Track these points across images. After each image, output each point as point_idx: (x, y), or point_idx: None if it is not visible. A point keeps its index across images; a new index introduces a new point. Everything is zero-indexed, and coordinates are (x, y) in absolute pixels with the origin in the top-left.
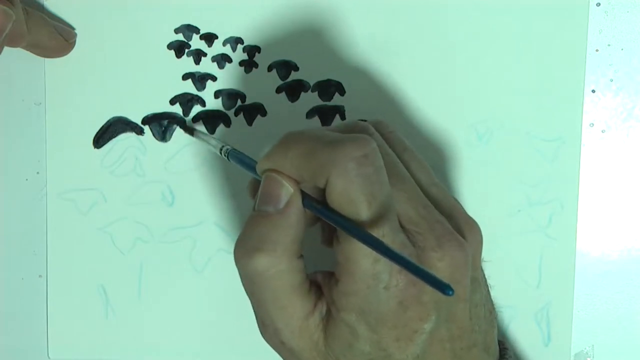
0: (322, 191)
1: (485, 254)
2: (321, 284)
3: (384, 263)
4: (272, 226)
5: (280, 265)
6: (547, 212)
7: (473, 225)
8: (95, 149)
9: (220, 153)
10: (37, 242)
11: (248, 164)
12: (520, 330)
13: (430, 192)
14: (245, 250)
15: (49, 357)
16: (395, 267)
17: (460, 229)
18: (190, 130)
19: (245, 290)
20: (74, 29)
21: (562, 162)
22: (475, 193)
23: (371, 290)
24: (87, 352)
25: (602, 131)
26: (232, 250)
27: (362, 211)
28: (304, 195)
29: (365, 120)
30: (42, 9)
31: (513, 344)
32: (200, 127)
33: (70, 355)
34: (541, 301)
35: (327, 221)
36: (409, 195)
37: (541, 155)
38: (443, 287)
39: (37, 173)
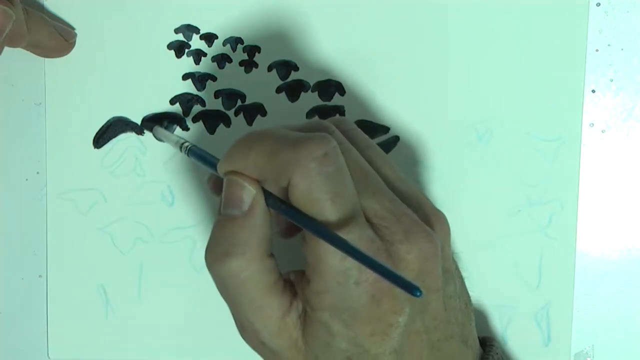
0: (286, 190)
1: (486, 253)
2: (295, 283)
3: (352, 260)
4: (238, 229)
5: (251, 267)
6: (547, 212)
7: (440, 216)
8: (95, 149)
9: (181, 150)
10: (37, 242)
11: (209, 161)
12: (520, 330)
13: (396, 186)
14: (215, 255)
15: (49, 357)
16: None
17: (428, 220)
18: (149, 127)
19: (221, 294)
20: (74, 29)
21: (562, 162)
22: (475, 193)
23: (342, 287)
24: (87, 352)
25: (602, 131)
26: None
27: (326, 210)
28: (268, 195)
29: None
30: (42, 9)
31: (513, 344)
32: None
33: (70, 355)
34: (541, 301)
35: (292, 221)
36: (373, 190)
37: (541, 155)
38: (411, 288)
39: (37, 173)
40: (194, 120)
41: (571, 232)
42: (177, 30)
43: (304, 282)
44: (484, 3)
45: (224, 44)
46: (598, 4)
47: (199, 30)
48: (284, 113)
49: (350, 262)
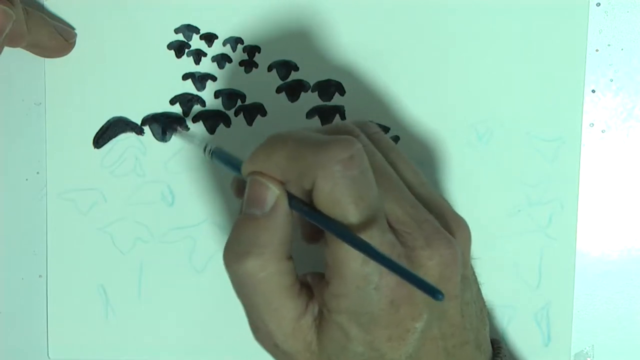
0: (309, 192)
1: (485, 253)
2: (312, 285)
3: (373, 264)
4: (259, 229)
5: (269, 268)
6: (547, 212)
7: (461, 222)
8: (95, 149)
9: (204, 153)
10: (37, 242)
11: (233, 164)
12: (520, 330)
13: (418, 192)
14: (234, 254)
15: (49, 357)
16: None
17: (449, 227)
18: (173, 128)
19: (237, 294)
20: (74, 29)
21: (562, 162)
22: (475, 193)
23: (362, 292)
24: (87, 352)
25: (602, 131)
26: None
27: (350, 213)
28: (291, 197)
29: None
30: (42, 9)
31: (513, 344)
32: (196, 127)
33: (70, 355)
34: (541, 301)
35: (314, 223)
36: (396, 195)
37: (541, 155)
38: (433, 292)
39: (37, 173)
40: (194, 120)
41: (571, 232)
42: (177, 30)
43: (323, 285)
44: (484, 3)
45: (224, 44)
46: (598, 4)
47: (199, 30)
48: (284, 113)
49: (371, 267)
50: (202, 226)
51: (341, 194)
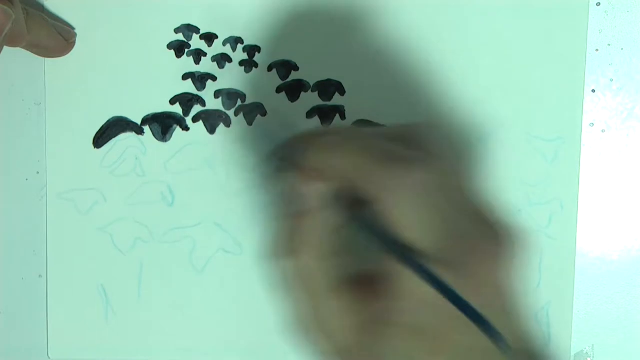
0: (356, 201)
1: None
2: (361, 289)
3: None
4: (309, 225)
5: (319, 264)
6: (547, 212)
7: (509, 233)
8: (95, 149)
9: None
10: (37, 242)
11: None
12: None
13: (475, 208)
14: (283, 249)
15: (49, 357)
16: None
17: (497, 238)
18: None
19: (284, 288)
20: (74, 29)
21: (562, 162)
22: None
23: (420, 307)
24: (87, 352)
25: (602, 131)
26: (232, 250)
27: (424, 236)
28: (353, 208)
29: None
30: (42, 9)
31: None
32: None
33: (70, 355)
34: (541, 301)
35: (377, 243)
36: (454, 212)
37: (541, 155)
38: (499, 339)
39: (37, 173)
40: (194, 120)
41: (571, 232)
42: (177, 30)
43: (378, 291)
44: (484, 3)
45: (224, 44)
46: (598, 4)
47: (199, 30)
48: (284, 113)
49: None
50: (202, 226)
51: (414, 216)
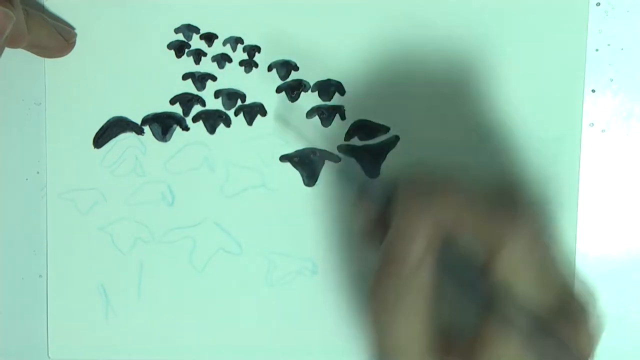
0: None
1: None
2: (454, 348)
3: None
4: (408, 283)
5: (415, 327)
6: (547, 212)
7: (584, 308)
8: (95, 149)
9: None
10: (37, 242)
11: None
12: None
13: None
14: (382, 304)
15: (49, 357)
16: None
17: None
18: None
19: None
20: (74, 29)
21: (562, 162)
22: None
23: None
24: (87, 352)
25: (602, 131)
26: (231, 250)
27: (531, 289)
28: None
29: None
30: (42, 9)
31: None
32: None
33: (70, 355)
34: None
35: (483, 299)
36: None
37: (541, 155)
38: None
39: (37, 173)
40: (194, 120)
41: (571, 232)
42: (177, 30)
43: (469, 349)
44: (484, 3)
45: (224, 44)
46: (598, 4)
47: (199, 30)
48: (284, 113)
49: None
50: (202, 226)
51: (527, 268)
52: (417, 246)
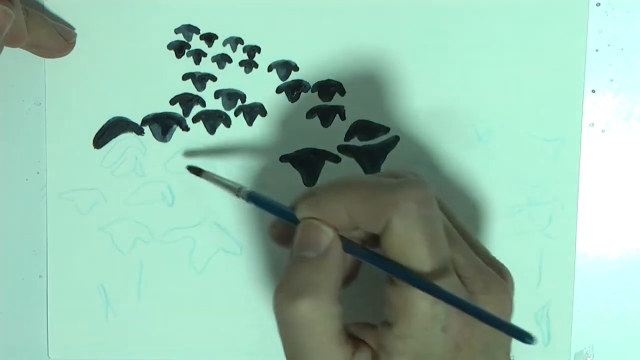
0: (372, 238)
1: None
2: (358, 334)
3: (442, 304)
4: (314, 270)
5: (323, 309)
6: (547, 212)
7: (507, 271)
8: (95, 149)
9: (237, 195)
10: (37, 242)
11: (273, 206)
12: None
13: (469, 240)
14: (286, 294)
15: (49, 357)
16: (453, 309)
17: (500, 274)
18: (196, 171)
19: (282, 336)
20: (74, 29)
21: (562, 162)
22: (475, 193)
23: (429, 332)
24: (87, 352)
25: (602, 131)
26: (231, 250)
27: (423, 254)
28: (348, 242)
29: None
30: (42, 9)
31: (513, 344)
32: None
33: (70, 355)
34: (541, 301)
35: (378, 268)
36: (453, 240)
37: (541, 155)
38: (524, 336)
39: (37, 173)
40: (194, 120)
41: (571, 232)
42: (177, 30)
43: (383, 328)
44: (484, 3)
45: (224, 44)
46: (598, 4)
47: (199, 30)
48: (284, 113)
49: (441, 308)
50: (202, 226)
51: (416, 234)
52: (324, 234)
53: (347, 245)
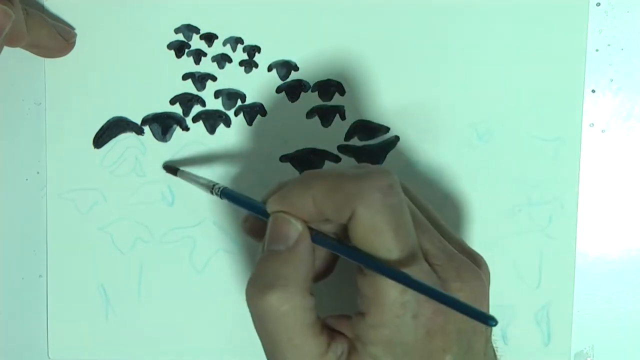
0: (342, 228)
1: (485, 253)
2: (334, 325)
3: (411, 292)
4: (283, 263)
5: (293, 301)
6: (547, 212)
7: (482, 259)
8: (95, 149)
9: (212, 193)
10: (37, 242)
11: (245, 202)
12: (520, 330)
13: (441, 229)
14: (257, 287)
15: (49, 357)
16: (423, 297)
17: (474, 261)
18: (173, 170)
19: (257, 331)
20: (74, 29)
21: (562, 162)
22: (475, 193)
23: (399, 320)
24: (87, 352)
25: (602, 131)
26: (232, 250)
27: (389, 242)
28: (317, 234)
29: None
30: (42, 9)
31: (513, 344)
32: (188, 168)
33: (70, 355)
34: (541, 301)
35: (346, 258)
36: (424, 229)
37: (541, 155)
38: (486, 319)
39: (37, 173)
40: (194, 120)
41: (571, 232)
42: (177, 30)
43: (356, 319)
44: (484, 3)
45: (224, 44)
46: (598, 4)
47: (199, 30)
48: (284, 113)
49: (410, 295)
50: (202, 226)
51: (381, 222)
52: (293, 227)
53: (316, 237)
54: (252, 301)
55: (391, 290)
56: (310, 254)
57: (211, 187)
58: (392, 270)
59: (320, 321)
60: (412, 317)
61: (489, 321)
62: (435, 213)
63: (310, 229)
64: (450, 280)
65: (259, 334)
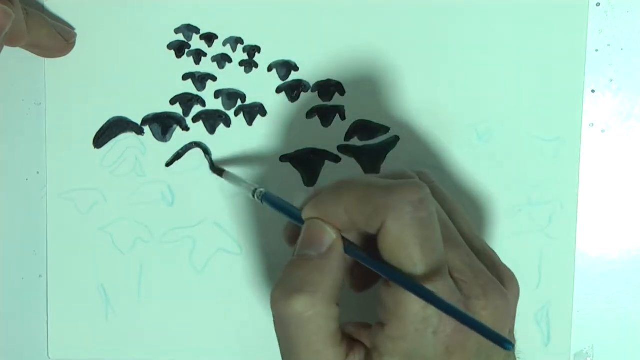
0: (371, 239)
1: None
2: (355, 333)
3: (434, 308)
4: (313, 268)
5: (318, 308)
6: (547, 212)
7: (512, 276)
8: (95, 149)
9: (253, 196)
10: (37, 242)
11: (283, 207)
12: (520, 330)
13: (472, 243)
14: (284, 292)
15: (49, 357)
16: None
17: (501, 279)
18: (219, 171)
19: (278, 333)
20: (74, 29)
21: (562, 162)
22: (475, 193)
23: (420, 335)
24: (87, 352)
25: (602, 131)
26: (231, 250)
27: (415, 256)
28: (349, 244)
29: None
30: (42, 9)
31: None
32: (231, 169)
33: (70, 355)
34: (541, 301)
35: (372, 269)
36: (454, 244)
37: (541, 155)
38: (502, 341)
39: (37, 173)
40: (194, 120)
41: (571, 232)
42: (177, 30)
43: (376, 329)
44: (484, 3)
45: (224, 44)
46: (598, 4)
47: (199, 30)
48: (284, 113)
49: (432, 311)
50: (202, 226)
51: (409, 236)
52: (327, 235)
53: (348, 247)
54: (276, 304)
55: (414, 304)
56: (341, 263)
57: (253, 191)
58: (416, 285)
59: (341, 330)
60: (433, 333)
61: (506, 344)
62: (471, 226)
63: (344, 239)
64: (474, 297)
65: (278, 336)
